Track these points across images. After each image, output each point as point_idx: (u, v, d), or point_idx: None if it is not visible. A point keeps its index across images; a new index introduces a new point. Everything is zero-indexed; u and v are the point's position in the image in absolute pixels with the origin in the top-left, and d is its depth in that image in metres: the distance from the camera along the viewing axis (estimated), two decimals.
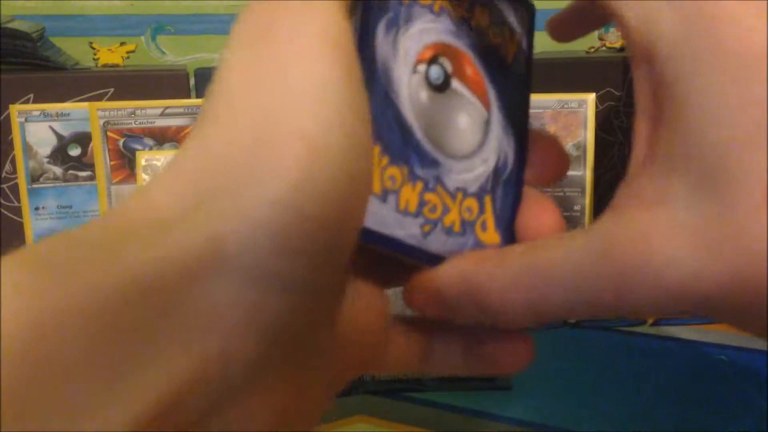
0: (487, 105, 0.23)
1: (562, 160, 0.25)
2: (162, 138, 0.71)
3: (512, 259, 0.21)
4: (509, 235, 0.24)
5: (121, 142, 0.70)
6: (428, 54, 0.22)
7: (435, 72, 0.22)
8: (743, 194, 0.17)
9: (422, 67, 0.22)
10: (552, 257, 0.19)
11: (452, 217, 0.22)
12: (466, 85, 0.23)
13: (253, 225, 0.16)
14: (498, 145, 0.23)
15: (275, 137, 0.17)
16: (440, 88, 0.22)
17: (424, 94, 0.22)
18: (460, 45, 0.23)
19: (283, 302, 0.17)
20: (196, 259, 0.15)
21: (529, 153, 0.24)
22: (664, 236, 0.17)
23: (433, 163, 0.22)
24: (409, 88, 0.21)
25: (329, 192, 0.17)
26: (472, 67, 0.23)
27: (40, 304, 0.13)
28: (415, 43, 0.22)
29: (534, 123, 0.67)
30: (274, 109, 0.17)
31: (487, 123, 0.23)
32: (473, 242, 0.23)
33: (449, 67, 0.22)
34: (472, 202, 0.23)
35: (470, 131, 0.23)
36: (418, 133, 0.21)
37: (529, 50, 0.25)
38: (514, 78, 0.24)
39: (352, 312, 0.21)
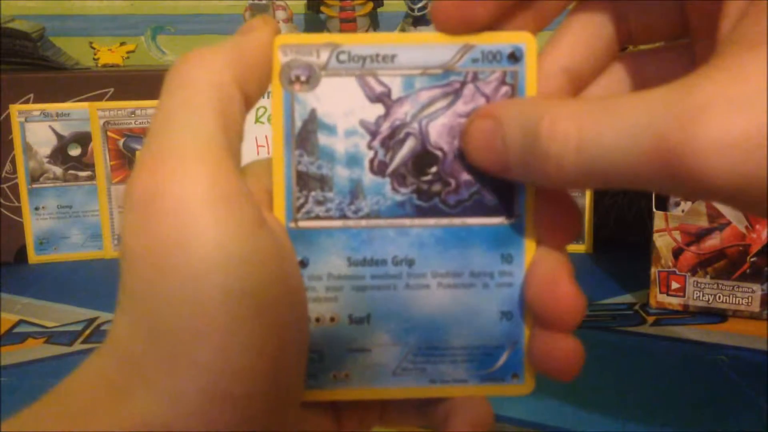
0: None
1: (574, 220, 0.22)
2: None
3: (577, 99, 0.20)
4: None
5: (121, 142, 0.70)
6: None
7: None
8: None
9: None
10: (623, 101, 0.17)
11: None
12: None
13: (187, 412, 0.17)
14: None
15: (183, 327, 0.17)
16: None
17: None
18: None
19: None
20: None
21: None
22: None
23: None
24: None
25: (252, 366, 0.17)
26: None
27: None
28: None
29: None
30: (174, 291, 0.17)
31: None
32: None
33: None
34: None
35: None
36: None
37: None
38: None
39: None
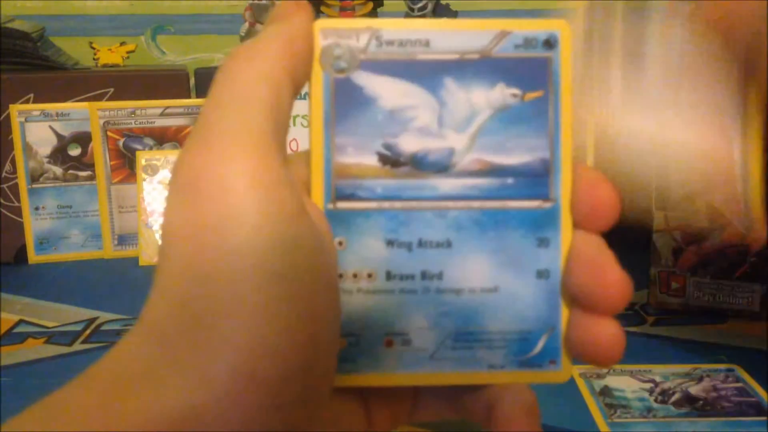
0: None
1: (613, 202, 0.22)
2: (162, 138, 0.71)
3: None
4: None
5: (121, 142, 0.70)
6: None
7: None
8: None
9: None
10: None
11: None
12: None
13: (219, 395, 0.17)
14: None
15: (219, 308, 0.17)
16: None
17: None
18: None
19: None
20: (180, 423, 0.17)
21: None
22: None
23: None
24: None
25: (284, 349, 0.17)
26: None
27: None
28: None
29: None
30: (211, 271, 0.17)
31: None
32: None
33: None
34: None
35: None
36: None
37: None
38: None
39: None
